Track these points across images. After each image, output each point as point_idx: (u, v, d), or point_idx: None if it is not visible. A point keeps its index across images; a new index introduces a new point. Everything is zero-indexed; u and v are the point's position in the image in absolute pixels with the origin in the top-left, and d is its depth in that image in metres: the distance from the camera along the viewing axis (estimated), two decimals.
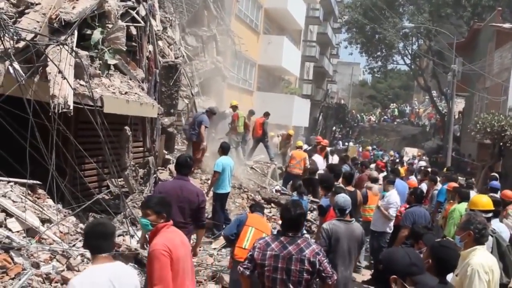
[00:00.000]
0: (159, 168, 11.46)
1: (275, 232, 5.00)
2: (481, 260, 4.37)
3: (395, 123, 53.97)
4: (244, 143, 16.97)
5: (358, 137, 46.76)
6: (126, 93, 8.84)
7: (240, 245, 6.18)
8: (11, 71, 6.88)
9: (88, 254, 6.16)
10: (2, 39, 6.67)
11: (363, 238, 6.24)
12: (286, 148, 18.76)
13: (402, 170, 14.30)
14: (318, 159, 15.48)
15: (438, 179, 12.33)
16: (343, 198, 6.21)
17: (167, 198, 4.68)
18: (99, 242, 3.54)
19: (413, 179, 13.86)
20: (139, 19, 10.26)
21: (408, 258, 2.97)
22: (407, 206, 8.80)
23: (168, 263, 4.06)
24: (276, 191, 14.08)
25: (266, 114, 17.46)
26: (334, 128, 48.58)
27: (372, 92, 63.32)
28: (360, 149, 29.87)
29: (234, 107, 16.14)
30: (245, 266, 4.54)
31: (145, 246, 6.29)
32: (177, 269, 4.13)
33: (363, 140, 44.17)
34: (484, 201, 6.45)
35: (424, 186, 12.30)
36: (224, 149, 10.04)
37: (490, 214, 6.28)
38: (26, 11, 7.77)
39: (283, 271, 4.34)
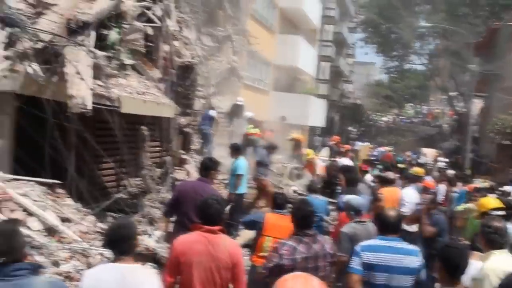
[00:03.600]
0: (175, 167, 11.49)
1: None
2: (495, 264, 4.23)
3: (411, 123, 53.55)
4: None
5: (375, 137, 46.46)
6: (143, 93, 8.89)
7: (258, 254, 6.17)
8: (30, 71, 6.95)
9: (107, 253, 6.20)
10: (22, 40, 6.73)
11: None
12: (299, 151, 18.66)
13: (419, 170, 14.10)
14: (348, 163, 15.38)
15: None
16: (355, 199, 6.11)
17: (211, 201, 4.37)
18: (120, 244, 3.53)
19: (429, 180, 13.66)
20: (155, 19, 10.30)
21: None
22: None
23: (173, 262, 4.08)
24: (294, 191, 14.01)
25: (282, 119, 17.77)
26: (350, 128, 48.34)
27: (388, 92, 62.74)
28: (378, 150, 29.37)
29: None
30: (269, 268, 4.58)
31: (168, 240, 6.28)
32: (189, 274, 4.04)
33: (380, 140, 43.88)
34: (492, 201, 6.35)
35: (442, 188, 12.08)
36: (238, 150, 10.04)
37: (501, 212, 6.12)
38: (44, 12, 7.84)
39: (312, 270, 4.40)
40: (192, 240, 4.12)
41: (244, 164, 9.86)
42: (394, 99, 63.59)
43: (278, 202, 6.64)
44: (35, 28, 7.17)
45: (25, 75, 7.02)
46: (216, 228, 4.18)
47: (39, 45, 7.18)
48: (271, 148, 12.66)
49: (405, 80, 61.36)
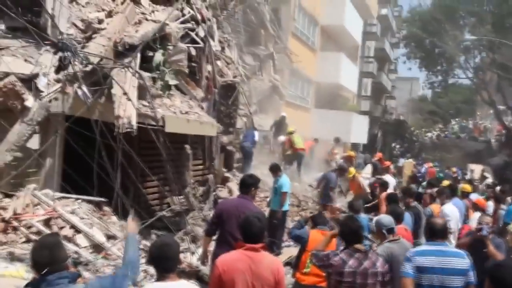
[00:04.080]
0: (218, 185, 11.61)
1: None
2: None
3: (458, 139, 52.17)
4: (303, 160, 17.06)
5: (419, 154, 45.49)
6: (186, 112, 9.06)
7: (301, 270, 6.18)
8: (79, 93, 7.23)
9: (151, 270, 6.31)
10: (72, 63, 7.01)
11: None
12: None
13: (467, 187, 13.68)
14: (390, 179, 15.19)
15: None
16: (387, 218, 6.03)
17: (253, 219, 4.38)
18: (164, 262, 3.59)
19: (476, 197, 13.22)
20: (198, 40, 10.53)
21: None
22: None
23: (215, 281, 4.10)
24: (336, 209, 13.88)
25: (315, 140, 17.91)
26: (393, 144, 47.55)
27: (433, 107, 61.51)
28: (424, 167, 28.53)
29: (289, 133, 16.25)
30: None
31: (205, 262, 6.36)
32: None
33: (424, 156, 42.92)
34: None
35: (491, 205, 11.71)
36: (279, 169, 10.13)
37: None
38: (93, 36, 8.15)
39: (360, 286, 4.56)
40: (235, 258, 4.16)
41: (287, 181, 9.96)
42: (438, 114, 62.30)
43: (320, 218, 6.68)
44: (85, 52, 7.46)
45: (74, 97, 7.32)
46: (258, 245, 4.20)
47: (88, 67, 7.46)
48: (342, 170, 12.71)
49: (450, 95, 60.07)
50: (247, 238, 4.25)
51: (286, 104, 21.87)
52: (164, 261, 3.59)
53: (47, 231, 5.86)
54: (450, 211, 8.99)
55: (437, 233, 4.99)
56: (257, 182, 6.41)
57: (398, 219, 6.59)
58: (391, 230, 5.86)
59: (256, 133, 14.48)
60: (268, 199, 10.93)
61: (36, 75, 7.05)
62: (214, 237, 6.23)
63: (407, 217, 7.58)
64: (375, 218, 6.37)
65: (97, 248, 6.35)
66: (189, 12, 10.35)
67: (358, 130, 30.78)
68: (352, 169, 13.77)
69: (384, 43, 42.54)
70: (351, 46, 32.61)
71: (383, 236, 5.89)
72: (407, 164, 28.11)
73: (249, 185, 6.17)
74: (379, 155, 20.14)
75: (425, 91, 72.28)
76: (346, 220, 5.03)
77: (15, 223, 5.94)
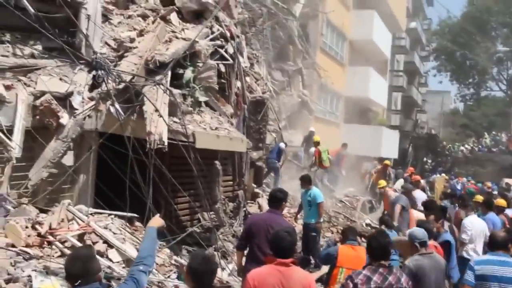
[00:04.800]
0: (248, 201, 11.62)
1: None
2: None
3: (491, 152, 50.95)
4: (333, 176, 16.96)
5: (451, 168, 44.60)
6: (216, 128, 9.15)
7: (331, 286, 6.15)
8: (112, 110, 7.39)
9: (182, 285, 6.35)
10: (106, 82, 7.19)
11: (447, 269, 6.23)
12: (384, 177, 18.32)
13: (502, 202, 13.32)
14: (420, 195, 14.98)
15: None
16: (420, 231, 5.94)
17: (284, 234, 4.42)
18: (206, 278, 3.61)
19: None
20: (228, 56, 10.64)
21: None
22: None
23: None
24: (366, 224, 13.75)
25: (343, 146, 17.73)
26: (424, 159, 46.79)
27: (465, 120, 60.42)
28: (460, 183, 27.76)
29: (316, 143, 16.16)
30: None
31: (241, 275, 6.37)
32: None
33: (457, 171, 42.06)
34: None
35: None
36: (309, 181, 10.12)
37: None
38: (125, 54, 8.35)
39: None
40: (266, 273, 4.17)
41: (320, 192, 9.98)
42: (471, 128, 61.11)
43: (349, 236, 6.63)
44: (118, 70, 7.64)
45: (107, 114, 7.49)
46: (288, 260, 4.20)
47: (121, 85, 7.63)
48: (414, 186, 12.62)
49: (483, 108, 58.93)
50: (277, 253, 4.26)
51: (316, 119, 21.85)
52: (205, 277, 3.61)
53: (81, 245, 5.96)
54: (470, 223, 8.98)
55: (498, 244, 5.53)
56: (287, 197, 6.41)
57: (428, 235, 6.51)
58: (423, 243, 5.78)
59: (281, 148, 14.48)
60: (299, 214, 10.90)
61: (71, 94, 7.26)
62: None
63: None
64: (408, 231, 6.29)
65: (129, 263, 6.41)
66: (218, 30, 10.48)
67: (389, 145, 30.45)
68: (383, 181, 13.63)
69: (414, 56, 42.19)
70: (380, 60, 32.46)
71: (415, 249, 5.82)
72: (439, 179, 27.60)
73: (279, 199, 6.17)
74: (410, 169, 19.89)
75: (457, 104, 71.13)
76: (376, 234, 4.94)
77: (50, 238, 6.07)
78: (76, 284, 3.15)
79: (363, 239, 11.97)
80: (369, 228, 13.19)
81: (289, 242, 4.32)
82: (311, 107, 20.49)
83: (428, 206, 9.16)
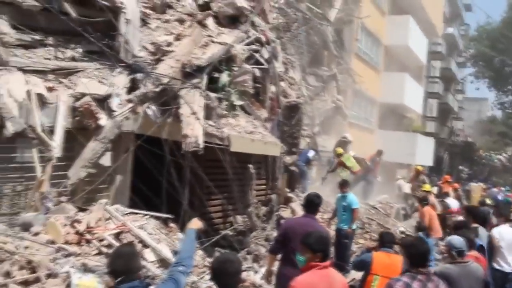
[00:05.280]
0: (281, 206, 11.61)
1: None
2: None
3: None
4: (367, 183, 16.83)
5: (489, 177, 43.53)
6: (251, 132, 9.19)
7: None
8: (149, 113, 7.52)
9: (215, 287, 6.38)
10: (145, 84, 7.33)
11: (486, 279, 6.03)
12: (415, 181, 18.07)
13: None
14: (453, 202, 14.74)
15: None
16: (458, 240, 5.82)
17: (326, 237, 4.53)
18: (225, 278, 3.63)
19: None
20: (263, 61, 10.69)
21: None
22: None
23: None
24: (400, 232, 13.53)
25: (379, 153, 17.50)
26: (460, 167, 45.82)
27: (503, 128, 58.82)
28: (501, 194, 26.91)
29: (338, 155, 16.04)
30: None
31: (269, 280, 6.36)
32: None
33: (495, 180, 41.02)
34: None
35: None
36: (347, 185, 10.08)
37: None
38: (162, 58, 8.48)
39: None
40: (314, 280, 4.16)
41: (356, 198, 10.00)
42: (509, 136, 59.48)
43: (386, 240, 6.54)
44: (156, 73, 7.78)
45: (144, 116, 7.62)
46: (328, 263, 4.23)
47: (158, 88, 7.76)
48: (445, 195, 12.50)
49: None
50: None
51: (349, 125, 21.69)
52: (225, 277, 3.62)
53: (117, 244, 6.07)
54: (498, 233, 8.67)
55: None
56: (322, 202, 6.38)
57: (469, 244, 6.36)
58: (461, 253, 5.66)
59: (311, 152, 14.42)
60: (332, 220, 10.83)
61: (109, 96, 7.41)
62: (278, 256, 6.24)
63: None
64: (447, 239, 6.17)
65: (163, 263, 6.50)
66: (253, 34, 10.55)
67: (424, 152, 29.96)
68: (427, 186, 13.53)
69: (450, 62, 41.43)
70: (415, 66, 32.04)
71: (453, 257, 5.72)
72: (476, 187, 26.95)
73: (315, 204, 6.14)
74: (446, 178, 19.51)
75: (495, 112, 69.43)
76: (415, 241, 4.87)
77: (88, 236, 6.21)
78: (118, 280, 3.22)
79: (397, 246, 11.85)
80: (403, 235, 12.98)
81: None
82: (345, 112, 20.35)
83: (472, 212, 9.02)
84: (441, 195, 15.96)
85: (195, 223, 4.12)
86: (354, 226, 10.05)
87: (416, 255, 4.63)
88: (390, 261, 6.18)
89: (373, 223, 13.21)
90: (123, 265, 3.26)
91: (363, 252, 7.52)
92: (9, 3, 6.85)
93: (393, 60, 28.76)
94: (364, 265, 6.36)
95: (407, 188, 19.18)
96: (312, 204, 6.15)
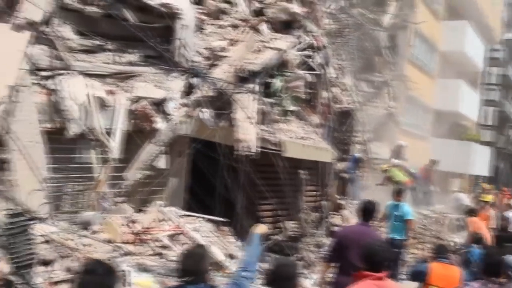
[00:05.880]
0: (332, 212, 11.49)
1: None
2: None
3: None
4: (417, 192, 16.46)
5: None
6: (303, 138, 9.16)
7: None
8: (204, 117, 7.63)
9: None
10: (201, 88, 7.45)
11: None
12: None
13: None
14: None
15: None
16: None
17: (378, 247, 4.39)
18: (282, 283, 3.60)
19: None
20: (315, 67, 10.65)
21: None
22: None
23: None
24: (454, 243, 13.12)
25: (433, 162, 17.02)
26: None
27: None
28: None
29: (384, 171, 15.78)
30: None
31: (322, 286, 6.29)
32: None
33: None
34: None
35: None
36: (402, 193, 9.88)
37: None
38: (216, 63, 8.59)
39: None
40: None
41: (410, 209, 9.75)
42: None
43: (441, 250, 6.38)
44: (212, 78, 7.89)
45: (199, 120, 7.74)
46: (383, 274, 4.10)
47: (212, 92, 7.87)
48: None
49: None
50: (371, 267, 4.15)
51: (402, 133, 21.26)
52: (282, 282, 3.60)
53: (172, 245, 6.18)
54: None
55: None
56: (376, 209, 6.26)
57: None
58: None
59: (356, 157, 14.20)
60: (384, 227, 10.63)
61: (165, 100, 7.57)
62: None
63: None
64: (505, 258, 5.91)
65: (216, 265, 6.55)
66: (306, 40, 10.53)
67: (479, 162, 29.00)
68: (488, 196, 13.10)
69: (509, 69, 39.93)
70: (472, 72, 31.09)
71: (507, 277, 5.49)
72: None
73: (370, 212, 6.01)
74: (505, 191, 18.71)
75: None
76: (491, 252, 4.91)
77: (144, 236, 6.34)
78: (186, 280, 3.26)
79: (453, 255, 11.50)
80: (456, 246, 12.58)
81: (382, 255, 4.21)
82: (398, 119, 19.98)
83: None
84: (501, 207, 15.38)
85: (260, 228, 4.12)
86: (405, 237, 9.83)
87: (490, 265, 4.73)
88: (447, 272, 6.01)
89: (427, 233, 12.88)
90: (193, 265, 3.28)
91: (418, 262, 7.35)
92: (73, 10, 7.11)
93: (448, 66, 28.01)
94: (420, 276, 6.21)
95: (467, 200, 18.59)
96: (367, 211, 6.02)
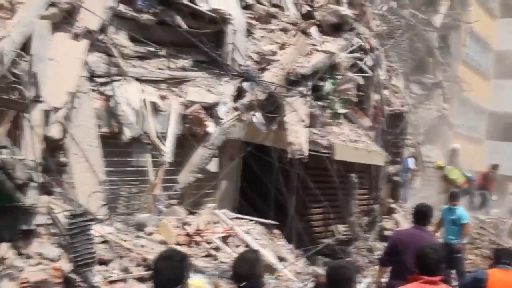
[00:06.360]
0: (383, 216, 11.31)
1: None
2: None
3: None
4: (472, 196, 15.95)
5: None
6: (354, 141, 9.08)
7: None
8: (255, 121, 7.69)
9: None
10: (254, 92, 7.52)
11: None
12: None
13: None
14: None
15: None
16: None
17: (430, 250, 4.24)
18: (339, 285, 3.59)
19: None
20: (366, 69, 10.53)
21: None
22: None
23: None
24: None
25: (494, 167, 16.30)
26: None
27: None
28: None
29: (439, 168, 15.28)
30: None
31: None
32: None
33: None
34: None
35: None
36: (457, 198, 9.60)
37: None
38: (267, 67, 8.64)
39: None
40: None
41: (465, 212, 9.45)
42: None
43: (502, 256, 6.11)
44: (264, 81, 7.94)
45: (250, 124, 7.80)
46: (436, 278, 4.01)
47: (263, 96, 7.92)
48: None
49: None
50: (423, 270, 4.07)
51: (456, 135, 20.68)
52: (339, 284, 3.58)
53: (225, 247, 6.25)
54: None
55: None
56: (432, 212, 6.13)
57: None
58: None
59: (410, 161, 13.87)
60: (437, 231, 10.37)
61: (217, 104, 7.68)
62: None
63: None
64: None
65: (268, 268, 6.57)
66: (357, 42, 10.44)
67: None
68: None
69: None
70: None
71: None
72: None
73: (426, 215, 5.89)
74: None
75: None
76: None
77: (197, 238, 6.44)
78: (241, 285, 3.28)
79: None
80: None
81: (434, 259, 4.10)
82: (451, 121, 19.45)
83: None
84: None
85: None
86: (464, 241, 9.53)
87: None
88: (509, 279, 5.76)
89: (485, 239, 12.44)
90: (247, 270, 3.29)
91: (475, 269, 7.08)
92: (128, 18, 7.32)
93: (504, 67, 27.02)
94: (477, 283, 5.97)
95: None
96: (423, 215, 5.89)
